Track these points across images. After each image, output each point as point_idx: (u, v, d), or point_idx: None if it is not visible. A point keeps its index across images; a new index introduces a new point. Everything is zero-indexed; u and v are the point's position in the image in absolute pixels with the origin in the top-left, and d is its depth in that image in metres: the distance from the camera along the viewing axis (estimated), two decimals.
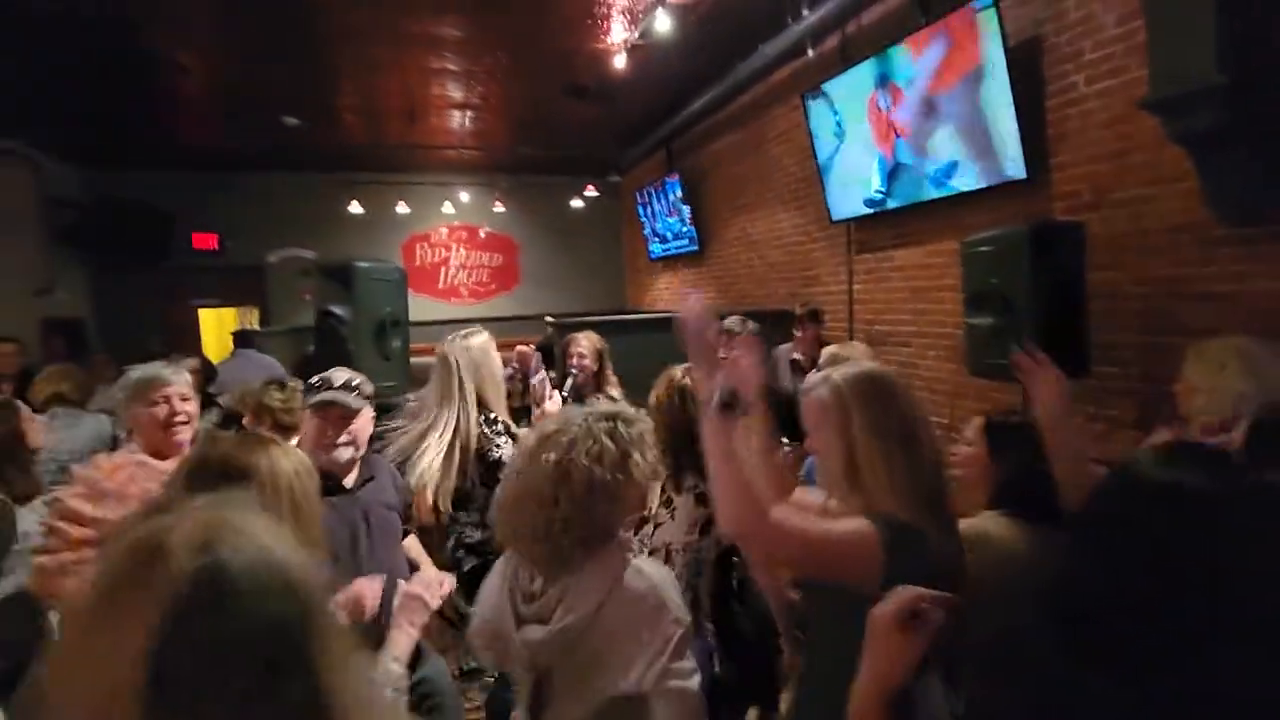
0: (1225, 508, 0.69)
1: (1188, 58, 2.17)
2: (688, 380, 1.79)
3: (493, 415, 2.39)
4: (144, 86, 5.26)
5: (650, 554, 1.77)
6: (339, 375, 1.93)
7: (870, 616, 0.90)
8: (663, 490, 1.87)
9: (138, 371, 1.97)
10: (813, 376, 1.33)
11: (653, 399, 1.87)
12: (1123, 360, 2.75)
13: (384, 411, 2.30)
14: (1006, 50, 2.99)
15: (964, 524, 1.40)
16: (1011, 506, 1.47)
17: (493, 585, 1.29)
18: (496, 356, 2.50)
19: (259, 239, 8.04)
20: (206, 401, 3.35)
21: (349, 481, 1.90)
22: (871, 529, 1.11)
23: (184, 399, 1.98)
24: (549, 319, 5.06)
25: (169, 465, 1.83)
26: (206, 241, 7.88)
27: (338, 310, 2.71)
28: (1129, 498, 0.75)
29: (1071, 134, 2.94)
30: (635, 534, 1.79)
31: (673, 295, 7.85)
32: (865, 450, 1.14)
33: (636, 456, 1.23)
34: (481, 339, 2.46)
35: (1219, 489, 0.70)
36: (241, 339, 5.37)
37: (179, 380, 1.99)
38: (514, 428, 2.43)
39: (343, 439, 1.85)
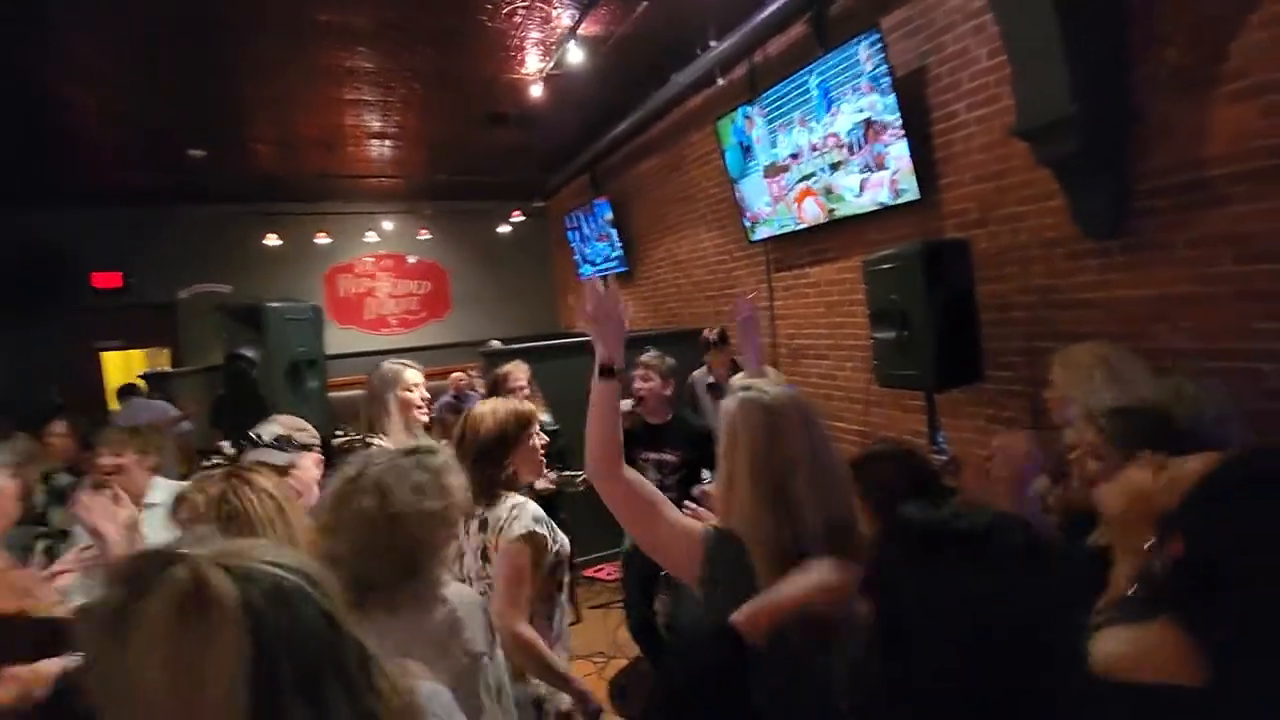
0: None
1: (1045, 91, 2.40)
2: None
3: (371, 437, 2.40)
4: (30, 121, 4.96)
5: None
6: (271, 429, 1.92)
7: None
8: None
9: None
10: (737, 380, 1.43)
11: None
12: (1013, 365, 2.97)
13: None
14: (894, 80, 3.21)
15: None
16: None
17: None
18: (407, 380, 2.52)
19: (168, 275, 7.64)
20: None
21: None
22: (702, 533, 1.26)
23: None
24: (492, 345, 5.02)
25: None
26: (109, 280, 7.42)
27: (247, 352, 2.64)
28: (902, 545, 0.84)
29: (956, 157, 3.17)
30: None
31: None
32: (743, 480, 1.21)
33: (449, 479, 1.31)
34: (390, 365, 2.53)
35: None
36: (126, 390, 5.20)
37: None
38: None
39: None
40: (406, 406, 2.50)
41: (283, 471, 1.80)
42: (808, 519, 1.16)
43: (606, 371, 1.32)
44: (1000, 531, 0.81)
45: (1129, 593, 0.89)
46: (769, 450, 1.20)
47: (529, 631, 1.67)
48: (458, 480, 1.33)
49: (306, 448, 1.92)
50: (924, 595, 0.81)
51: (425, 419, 2.58)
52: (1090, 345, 1.96)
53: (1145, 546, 0.90)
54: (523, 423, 1.88)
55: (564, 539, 1.85)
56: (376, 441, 2.38)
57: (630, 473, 1.30)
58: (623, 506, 1.30)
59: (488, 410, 1.86)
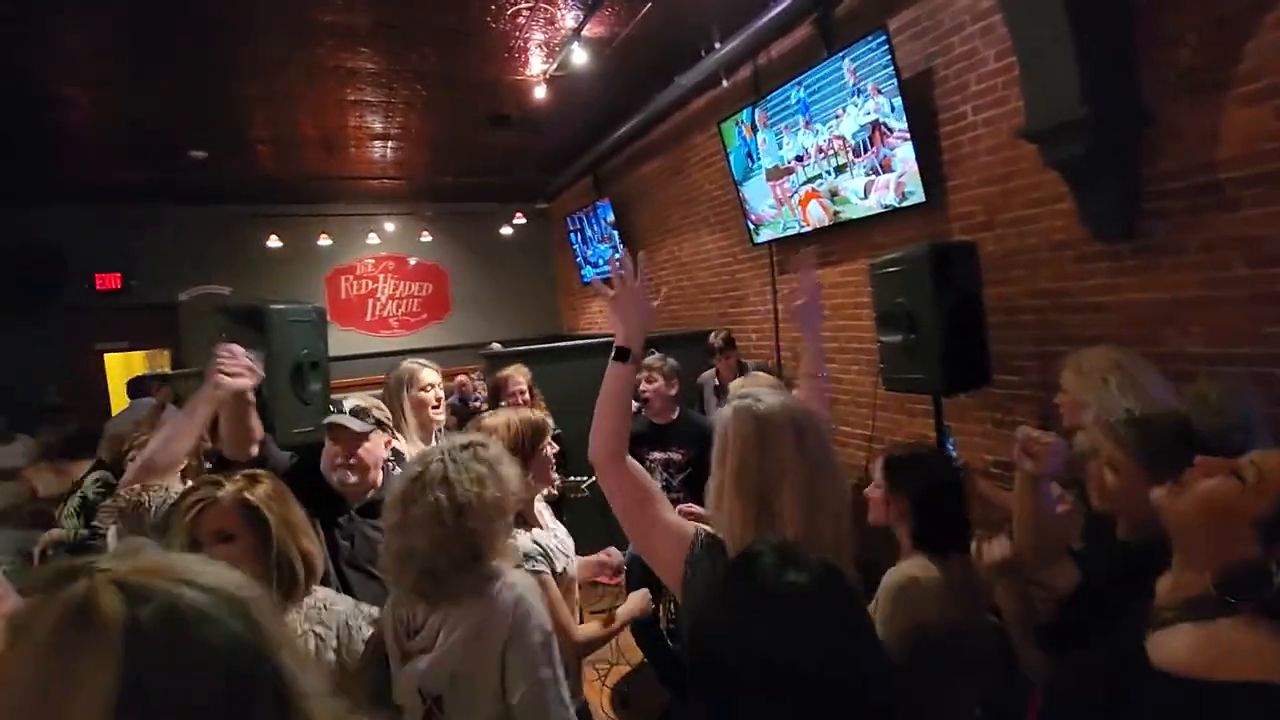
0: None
1: (1055, 92, 2.38)
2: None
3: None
4: (30, 121, 4.94)
5: None
6: (351, 401, 2.04)
7: None
8: None
9: None
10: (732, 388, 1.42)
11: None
12: (1021, 369, 2.94)
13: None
14: (900, 82, 3.19)
15: (893, 572, 1.43)
16: (924, 543, 1.47)
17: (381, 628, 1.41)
18: (421, 380, 2.50)
19: (169, 276, 7.62)
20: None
21: (355, 504, 1.95)
22: (690, 535, 1.25)
23: None
24: (493, 347, 5.01)
25: None
26: (110, 281, 7.41)
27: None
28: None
29: (963, 159, 3.15)
30: None
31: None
32: (730, 490, 1.20)
33: (504, 469, 1.36)
34: (407, 365, 2.54)
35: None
36: (135, 388, 5.11)
37: None
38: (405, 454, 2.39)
39: (349, 462, 1.90)
40: (420, 407, 2.47)
41: (358, 440, 1.91)
42: (789, 536, 1.11)
43: (622, 354, 1.28)
44: (804, 578, 0.84)
45: (1195, 595, 0.89)
46: (758, 461, 1.18)
47: (585, 633, 1.76)
48: (512, 471, 1.38)
49: (381, 425, 2.00)
50: (711, 622, 0.87)
51: (441, 418, 2.55)
52: (1104, 349, 1.93)
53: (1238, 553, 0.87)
54: (539, 433, 1.86)
55: (569, 560, 1.81)
56: (394, 444, 2.36)
57: (632, 463, 1.29)
58: (621, 496, 1.28)
59: (501, 422, 1.82)
